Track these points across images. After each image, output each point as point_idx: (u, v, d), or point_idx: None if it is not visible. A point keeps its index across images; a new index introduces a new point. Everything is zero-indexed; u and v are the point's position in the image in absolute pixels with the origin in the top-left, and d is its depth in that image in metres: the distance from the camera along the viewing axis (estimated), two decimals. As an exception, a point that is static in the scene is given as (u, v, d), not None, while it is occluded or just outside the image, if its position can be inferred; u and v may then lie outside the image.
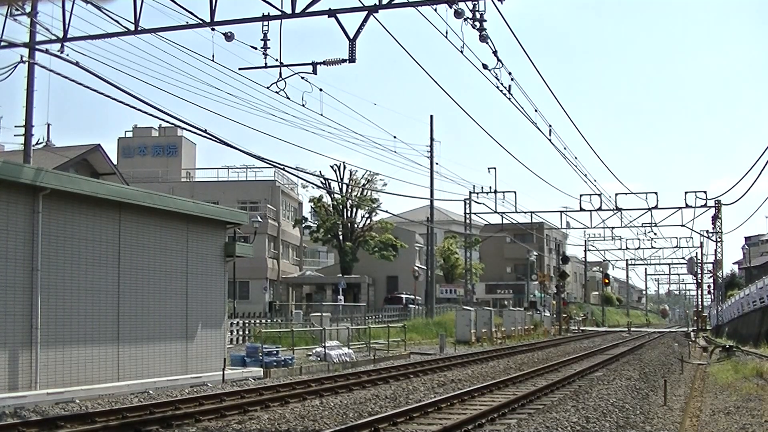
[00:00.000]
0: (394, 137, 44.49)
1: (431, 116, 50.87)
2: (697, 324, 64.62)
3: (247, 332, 32.94)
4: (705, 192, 44.71)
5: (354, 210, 57.61)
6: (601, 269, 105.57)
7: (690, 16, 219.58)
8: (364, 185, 56.47)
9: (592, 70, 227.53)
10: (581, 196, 44.35)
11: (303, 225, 60.37)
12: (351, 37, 14.22)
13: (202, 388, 18.38)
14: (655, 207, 44.52)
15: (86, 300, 16.57)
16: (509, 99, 19.49)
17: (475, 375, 23.31)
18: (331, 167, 54.65)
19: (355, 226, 57.56)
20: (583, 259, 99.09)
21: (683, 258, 79.84)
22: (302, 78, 16.61)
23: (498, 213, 48.50)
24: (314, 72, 15.94)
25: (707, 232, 58.39)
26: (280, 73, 16.12)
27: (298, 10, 14.04)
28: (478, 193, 47.78)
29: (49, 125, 41.31)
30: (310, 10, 14.04)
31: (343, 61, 14.94)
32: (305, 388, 18.41)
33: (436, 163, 53.94)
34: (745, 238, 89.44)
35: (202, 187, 58.95)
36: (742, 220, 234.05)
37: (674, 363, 27.42)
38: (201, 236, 20.34)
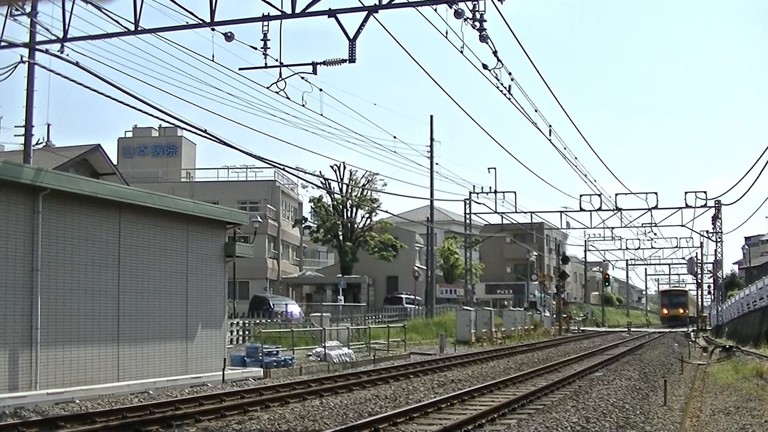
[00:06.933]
0: (394, 137, 44.50)
1: (431, 116, 50.90)
2: (697, 323, 64.60)
3: (247, 332, 32.94)
4: (705, 192, 44.88)
5: (354, 210, 57.63)
6: (601, 269, 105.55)
7: (689, 16, 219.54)
8: (364, 185, 56.49)
9: (592, 70, 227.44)
10: (581, 196, 44.47)
11: (303, 225, 60.36)
12: (351, 37, 14.24)
13: (202, 389, 18.38)
14: (655, 207, 44.58)
15: (86, 300, 16.57)
16: (509, 99, 19.52)
17: (475, 375, 23.31)
18: (331, 167, 54.71)
19: (355, 226, 57.56)
20: (583, 259, 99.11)
21: (683, 258, 79.94)
22: (302, 78, 16.64)
23: (498, 213, 48.56)
24: (314, 72, 15.96)
25: (707, 232, 58.49)
26: (280, 73, 16.15)
27: (298, 10, 14.06)
28: (478, 194, 47.82)
29: (49, 125, 41.24)
30: (310, 10, 14.06)
31: (343, 61, 14.95)
32: (305, 388, 18.41)
33: (436, 163, 53.96)
34: (745, 238, 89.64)
35: (202, 187, 58.99)
36: (742, 220, 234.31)
37: (674, 363, 27.42)
38: (201, 236, 20.34)
